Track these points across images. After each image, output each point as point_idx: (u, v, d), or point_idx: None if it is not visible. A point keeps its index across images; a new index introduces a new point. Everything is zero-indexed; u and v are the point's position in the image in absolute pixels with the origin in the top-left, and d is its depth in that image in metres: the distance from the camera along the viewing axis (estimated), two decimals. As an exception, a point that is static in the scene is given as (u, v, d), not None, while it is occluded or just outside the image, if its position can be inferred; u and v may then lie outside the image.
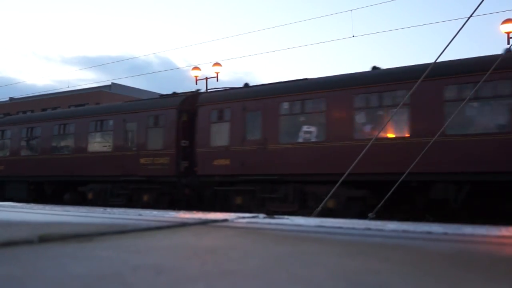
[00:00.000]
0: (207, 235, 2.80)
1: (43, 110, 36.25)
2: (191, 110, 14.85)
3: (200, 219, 3.74)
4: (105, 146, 16.70)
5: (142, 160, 15.34)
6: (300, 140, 12.69)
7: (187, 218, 3.86)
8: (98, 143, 17.09)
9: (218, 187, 13.93)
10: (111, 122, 16.60)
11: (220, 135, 13.94)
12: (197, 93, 15.87)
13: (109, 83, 42.12)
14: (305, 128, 12.62)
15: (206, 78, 22.10)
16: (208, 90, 16.64)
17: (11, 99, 45.94)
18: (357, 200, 11.82)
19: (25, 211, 4.76)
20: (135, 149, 15.71)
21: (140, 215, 4.28)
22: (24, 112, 38.01)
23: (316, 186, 12.28)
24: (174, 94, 16.16)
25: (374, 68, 12.78)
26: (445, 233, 2.84)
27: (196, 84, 22.28)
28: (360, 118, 11.97)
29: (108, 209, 5.33)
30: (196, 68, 22.14)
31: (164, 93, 17.29)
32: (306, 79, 13.65)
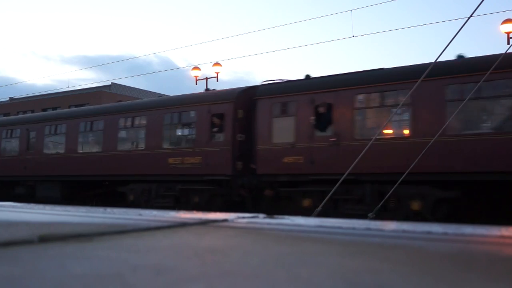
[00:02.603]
0: (207, 235, 2.80)
1: (43, 110, 36.19)
2: None
3: (200, 219, 3.74)
4: None
5: None
6: None
7: (187, 218, 3.86)
8: None
9: None
10: None
11: None
12: None
13: (109, 83, 42.08)
14: None
15: (206, 78, 22.11)
16: None
17: (11, 99, 45.88)
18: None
19: (25, 211, 4.76)
20: None
21: (140, 215, 4.28)
22: (24, 112, 37.92)
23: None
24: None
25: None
26: (445, 233, 2.84)
27: (196, 84, 22.29)
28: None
29: (108, 209, 5.33)
30: (196, 68, 22.14)
31: (164, 93, 18.47)
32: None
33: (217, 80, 21.84)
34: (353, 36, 23.32)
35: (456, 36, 7.01)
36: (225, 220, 3.71)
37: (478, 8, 6.81)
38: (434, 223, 3.95)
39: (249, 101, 14.36)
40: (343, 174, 11.45)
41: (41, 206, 6.14)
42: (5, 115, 39.01)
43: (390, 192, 8.52)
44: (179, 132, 16.23)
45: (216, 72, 21.65)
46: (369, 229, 3.10)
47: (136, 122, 16.84)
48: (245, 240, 2.55)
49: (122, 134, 17.41)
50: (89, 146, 18.39)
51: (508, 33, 14.80)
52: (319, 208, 7.59)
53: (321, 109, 12.92)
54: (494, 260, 1.94)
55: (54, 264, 1.69)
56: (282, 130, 13.56)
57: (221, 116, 14.54)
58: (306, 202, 12.94)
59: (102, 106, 20.65)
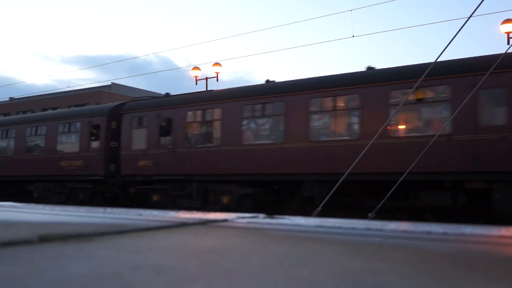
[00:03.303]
0: (207, 235, 2.80)
1: (43, 110, 36.19)
2: None
3: (200, 219, 3.74)
4: None
5: None
6: None
7: (187, 218, 3.87)
8: None
9: None
10: None
11: None
12: None
13: (109, 83, 42.05)
14: None
15: (206, 78, 22.10)
16: None
17: (11, 99, 45.87)
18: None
19: (25, 211, 4.77)
20: None
21: (140, 215, 4.28)
22: (24, 112, 37.92)
23: None
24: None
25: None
26: (445, 233, 2.84)
27: (196, 84, 22.28)
28: None
29: (108, 209, 5.33)
30: (196, 68, 22.12)
31: (164, 92, 19.25)
32: None
33: (217, 80, 21.83)
34: (353, 36, 23.31)
35: (456, 36, 7.01)
36: (225, 220, 3.71)
37: (478, 8, 6.80)
38: (434, 223, 3.95)
39: (119, 115, 17.74)
40: (178, 175, 15.97)
41: (41, 206, 6.14)
42: (5, 115, 39.02)
43: (391, 191, 8.53)
44: (68, 139, 19.85)
45: (216, 72, 21.65)
46: (369, 229, 3.10)
47: (39, 131, 20.51)
48: (245, 240, 2.55)
49: (29, 141, 21.18)
50: (5, 151, 22.03)
51: (508, 33, 14.79)
52: (319, 208, 7.60)
53: (164, 123, 16.28)
54: (494, 260, 1.94)
55: (54, 264, 1.69)
56: (138, 139, 16.99)
57: (97, 127, 17.92)
58: (155, 197, 16.30)
59: (14, 117, 25.74)
